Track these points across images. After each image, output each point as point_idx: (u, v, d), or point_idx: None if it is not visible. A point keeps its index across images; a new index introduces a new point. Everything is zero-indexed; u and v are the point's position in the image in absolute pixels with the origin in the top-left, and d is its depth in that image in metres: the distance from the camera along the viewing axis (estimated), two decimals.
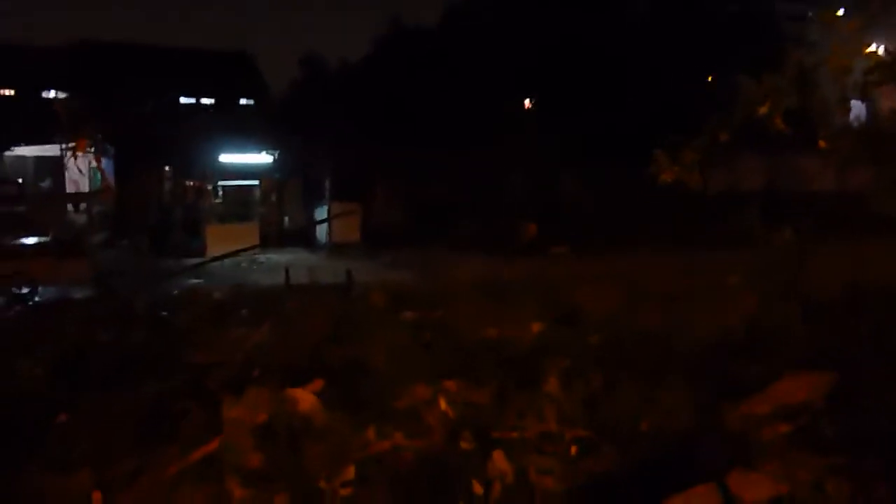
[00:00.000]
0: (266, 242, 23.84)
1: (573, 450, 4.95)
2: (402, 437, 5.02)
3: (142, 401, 6.06)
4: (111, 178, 29.13)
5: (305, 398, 5.38)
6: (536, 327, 10.02)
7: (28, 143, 27.69)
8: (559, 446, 5.08)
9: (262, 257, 22.02)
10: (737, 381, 5.98)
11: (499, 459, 4.76)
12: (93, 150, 28.79)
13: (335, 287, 14.92)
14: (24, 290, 15.87)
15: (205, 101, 36.54)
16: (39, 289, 16.10)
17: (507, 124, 26.28)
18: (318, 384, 6.84)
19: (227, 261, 18.42)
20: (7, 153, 28.15)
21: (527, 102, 30.81)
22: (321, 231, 25.63)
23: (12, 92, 32.23)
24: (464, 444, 4.91)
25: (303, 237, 26.12)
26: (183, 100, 35.85)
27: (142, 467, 5.51)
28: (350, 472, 4.78)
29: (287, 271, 16.03)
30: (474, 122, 25.41)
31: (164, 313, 12.15)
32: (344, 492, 4.70)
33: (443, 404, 5.19)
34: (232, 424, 4.96)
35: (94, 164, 29.70)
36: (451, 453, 4.83)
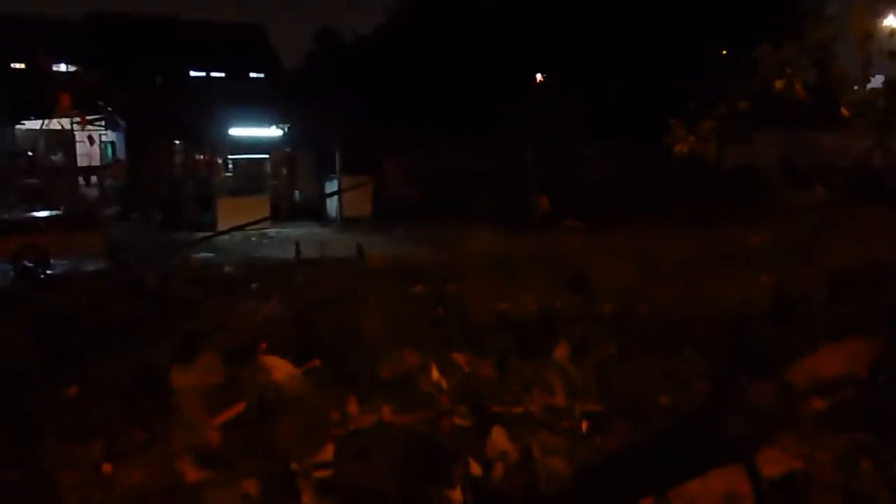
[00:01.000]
0: (277, 216, 23.77)
1: (584, 425, 4.59)
2: (390, 410, 4.46)
3: (147, 371, 5.99)
4: (122, 152, 29.19)
5: (281, 366, 4.85)
6: (551, 300, 9.94)
7: (39, 116, 27.62)
8: (567, 422, 4.67)
9: (272, 231, 21.99)
10: (763, 352, 5.76)
11: (498, 437, 4.26)
12: (103, 122, 28.86)
13: (346, 261, 14.89)
14: (36, 265, 15.94)
15: (216, 74, 36.31)
16: (51, 262, 16.15)
17: (521, 97, 26.02)
18: (316, 362, 6.68)
19: (238, 234, 18.37)
20: (18, 127, 28.13)
21: (541, 76, 30.50)
22: (332, 205, 25.54)
23: (23, 65, 32.11)
24: (458, 421, 4.39)
25: (314, 211, 26.03)
26: (194, 73, 35.64)
27: (151, 438, 5.47)
28: (328, 452, 4.27)
29: (297, 245, 15.99)
30: (488, 95, 25.15)
31: (175, 286, 12.16)
32: (320, 474, 4.18)
33: (435, 373, 4.65)
34: (183, 395, 4.42)
35: (105, 137, 29.79)
36: (444, 430, 4.36)
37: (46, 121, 26.90)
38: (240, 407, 4.37)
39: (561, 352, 4.99)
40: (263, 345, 7.25)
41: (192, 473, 4.09)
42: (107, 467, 5.47)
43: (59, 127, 27.40)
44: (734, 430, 4.38)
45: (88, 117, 28.06)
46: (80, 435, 5.50)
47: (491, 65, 25.83)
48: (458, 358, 7.15)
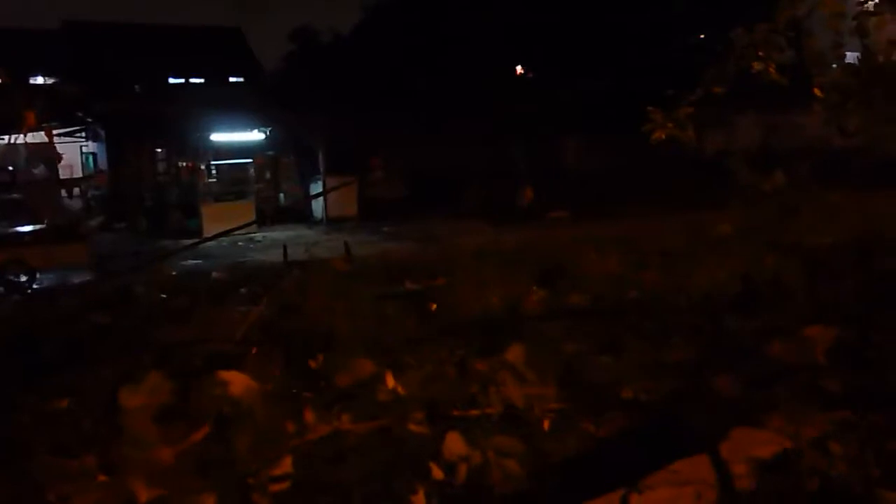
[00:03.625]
0: (263, 220, 23.73)
1: (546, 425, 4.65)
2: (348, 419, 4.50)
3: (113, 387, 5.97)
4: (103, 162, 29.05)
5: (238, 380, 4.85)
6: (537, 294, 10.00)
7: (18, 130, 27.42)
8: (525, 423, 4.75)
9: (259, 235, 21.96)
10: (730, 340, 5.85)
11: (453, 442, 4.36)
12: (83, 132, 28.71)
13: (333, 262, 14.89)
14: (22, 279, 15.87)
15: (195, 80, 36.12)
16: (38, 275, 16.08)
17: (504, 91, 26.06)
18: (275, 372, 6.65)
19: (224, 240, 18.35)
20: None
21: (522, 68, 30.54)
22: (318, 206, 25.50)
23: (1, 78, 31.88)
24: (414, 427, 4.43)
25: (300, 213, 25.99)
26: (173, 79, 35.44)
27: (105, 460, 5.44)
28: (287, 464, 4.24)
29: (285, 248, 15.97)
30: (471, 90, 25.18)
31: (163, 295, 12.14)
32: (277, 487, 4.17)
33: (391, 380, 4.68)
34: (132, 415, 4.38)
35: (86, 148, 29.64)
36: (403, 436, 4.45)
37: (24, 134, 26.73)
38: (200, 429, 4.38)
39: (515, 352, 4.95)
40: (255, 350, 7.28)
41: (144, 493, 4.06)
42: (102, 478, 5.48)
43: (38, 140, 27.24)
44: (697, 421, 4.44)
45: (69, 129, 27.93)
46: (73, 448, 5.50)
47: (471, 58, 25.87)
48: (416, 360, 7.19)
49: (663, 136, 6.93)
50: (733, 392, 4.58)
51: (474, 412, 4.50)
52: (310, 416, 4.30)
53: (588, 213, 20.37)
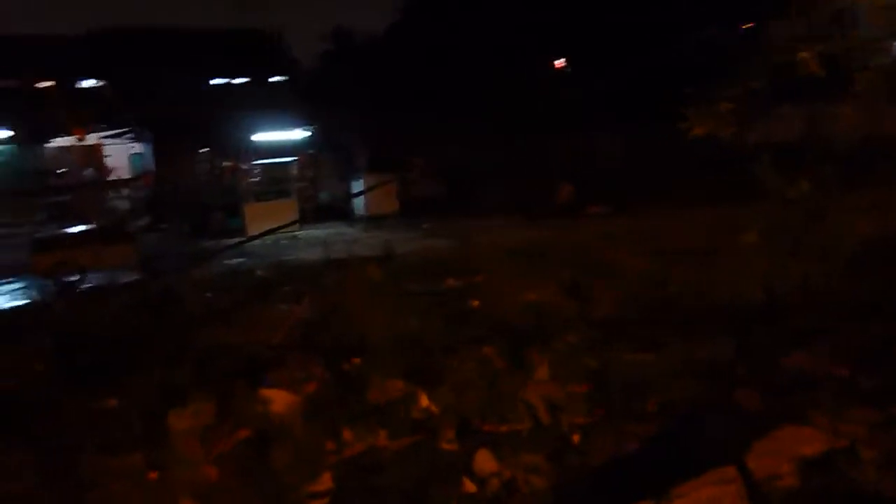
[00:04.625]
0: (304, 218, 23.98)
1: (575, 439, 4.69)
2: (384, 436, 4.64)
3: (181, 384, 6.13)
4: (149, 163, 29.63)
5: (279, 397, 5.01)
6: (576, 288, 10.01)
7: (68, 133, 28.12)
8: (552, 438, 4.78)
9: (300, 233, 22.20)
10: (764, 341, 5.79)
11: (484, 459, 4.46)
12: (130, 134, 29.35)
13: (374, 259, 15.03)
14: (72, 278, 16.29)
15: (236, 81, 36.62)
16: (87, 275, 16.48)
17: (540, 87, 25.96)
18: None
19: (267, 238, 18.60)
20: (48, 144, 28.66)
21: (560, 62, 30.40)
22: (358, 204, 25.71)
23: (50, 83, 32.66)
24: (446, 445, 4.55)
25: (340, 211, 26.22)
26: (214, 81, 35.96)
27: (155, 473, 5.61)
28: (326, 480, 4.40)
29: (326, 246, 16.16)
30: (507, 87, 25.14)
31: (208, 294, 12.40)
32: (317, 502, 4.29)
33: (424, 400, 4.83)
34: (180, 437, 4.57)
35: (133, 149, 30.26)
36: (436, 453, 4.52)
37: (74, 137, 27.46)
38: (237, 437, 4.53)
39: (542, 372, 5.05)
40: (295, 348, 7.43)
41: None
42: (153, 474, 5.65)
43: (87, 143, 27.93)
44: (724, 432, 4.43)
45: (116, 131, 28.56)
46: (121, 446, 5.68)
47: (507, 54, 25.80)
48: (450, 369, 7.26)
49: (702, 134, 6.89)
50: (757, 405, 4.57)
51: (504, 428, 4.55)
52: (348, 434, 4.43)
53: (626, 208, 20.23)
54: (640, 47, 24.09)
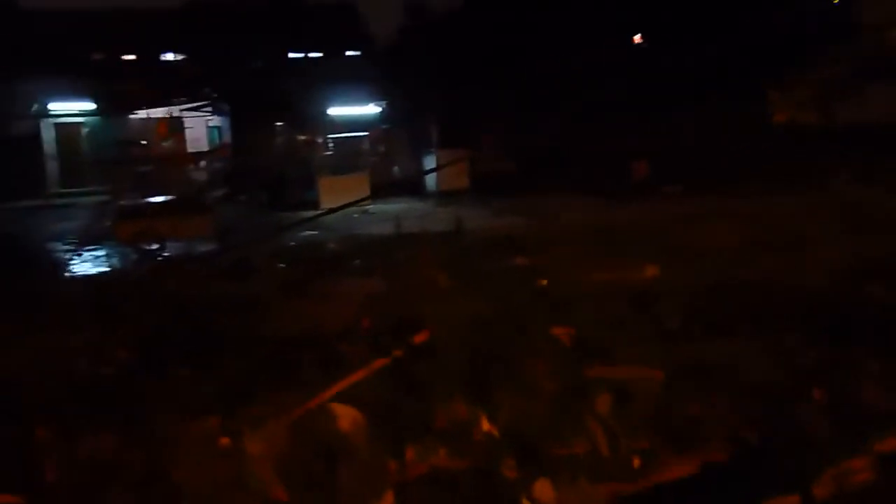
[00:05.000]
0: (376, 192, 24.13)
1: (635, 462, 4.70)
2: (445, 454, 4.73)
3: (256, 355, 6.27)
4: (227, 135, 30.25)
5: (347, 414, 5.08)
6: (650, 270, 9.83)
7: (149, 105, 28.89)
8: (609, 465, 4.79)
9: (372, 207, 22.38)
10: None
11: (543, 488, 4.52)
12: (209, 107, 30.01)
13: (445, 235, 15.05)
14: (152, 247, 16.80)
15: (313, 55, 36.97)
16: (167, 244, 16.97)
17: (616, 62, 25.44)
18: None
19: (339, 212, 18.72)
20: (132, 116, 29.50)
21: (638, 37, 29.73)
22: (430, 179, 25.74)
23: (133, 56, 33.55)
24: (507, 473, 4.62)
25: (412, 186, 26.30)
26: (291, 54, 36.38)
27: (263, 415, 5.77)
28: (389, 499, 4.48)
29: (398, 221, 16.25)
30: (582, 62, 24.70)
31: (282, 265, 12.64)
32: None
33: (485, 424, 4.90)
34: (254, 460, 4.71)
35: (211, 122, 30.94)
36: (497, 478, 4.58)
37: (156, 110, 28.21)
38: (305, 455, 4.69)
39: (603, 404, 5.06)
40: (366, 322, 7.52)
41: None
42: (224, 440, 5.80)
43: (168, 115, 28.66)
44: (790, 460, 4.33)
45: (195, 104, 29.22)
46: (196, 412, 5.84)
47: (584, 29, 25.32)
48: (559, 331, 7.21)
49: (783, 120, 6.64)
50: (826, 432, 4.46)
51: (563, 451, 4.60)
52: (411, 453, 4.53)
53: (703, 187, 19.72)
54: (723, 22, 23.28)
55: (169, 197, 19.31)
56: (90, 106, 29.03)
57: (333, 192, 22.53)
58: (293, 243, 15.25)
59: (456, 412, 4.95)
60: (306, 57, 35.40)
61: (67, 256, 16.66)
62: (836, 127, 17.03)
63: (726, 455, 4.68)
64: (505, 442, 4.67)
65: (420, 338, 6.80)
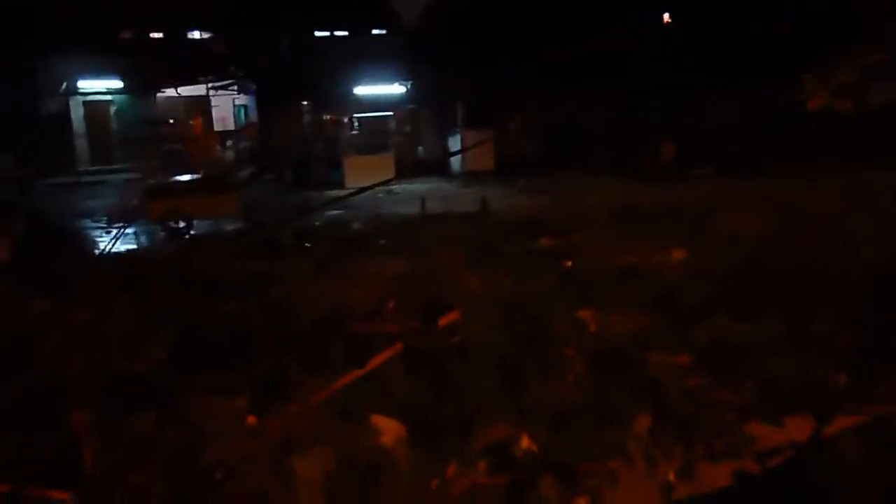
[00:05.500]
0: (401, 172, 24.13)
1: (671, 476, 4.76)
2: (484, 469, 4.82)
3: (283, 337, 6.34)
4: (254, 114, 30.36)
5: (390, 428, 5.16)
6: (677, 253, 9.75)
7: (177, 84, 29.03)
8: (645, 482, 4.85)
9: (397, 187, 22.41)
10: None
11: None
12: (235, 86, 30.10)
13: (470, 215, 15.03)
14: (181, 225, 16.95)
15: (339, 33, 36.90)
16: (195, 223, 17.11)
17: (644, 43, 25.14)
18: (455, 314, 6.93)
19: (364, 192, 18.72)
20: (159, 94, 29.67)
21: (667, 17, 29.34)
22: (455, 159, 25.68)
23: (160, 35, 33.69)
24: (546, 490, 4.70)
25: (437, 166, 26.28)
26: (318, 33, 36.35)
27: (291, 394, 5.84)
28: None
29: (423, 201, 16.25)
30: (610, 42, 24.45)
31: (307, 245, 12.70)
32: None
33: (525, 441, 4.98)
34: (305, 484, 4.81)
35: (238, 101, 31.05)
36: (535, 496, 4.66)
37: (183, 88, 28.37)
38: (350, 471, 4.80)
39: (642, 424, 5.14)
40: (391, 303, 7.54)
41: None
42: (251, 419, 5.87)
43: (195, 94, 28.79)
44: (822, 480, 4.34)
45: (222, 82, 29.34)
46: (226, 391, 5.92)
47: (613, 8, 25.02)
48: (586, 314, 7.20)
49: (818, 107, 6.51)
50: (858, 453, 4.45)
51: (599, 468, 4.69)
52: (451, 471, 4.64)
53: (732, 169, 19.48)
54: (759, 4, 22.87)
55: (196, 176, 19.43)
56: (118, 84, 29.24)
57: (359, 172, 22.59)
58: (318, 223, 15.30)
59: (497, 431, 5.08)
60: (332, 35, 35.34)
61: (97, 234, 16.87)
62: (872, 111, 16.68)
63: (760, 466, 4.73)
64: (543, 458, 4.79)
65: (447, 319, 6.81)
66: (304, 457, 4.77)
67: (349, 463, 4.71)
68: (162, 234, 16.65)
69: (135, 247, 15.02)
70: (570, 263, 9.57)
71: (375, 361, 6.27)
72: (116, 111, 29.52)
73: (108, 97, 29.49)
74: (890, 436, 4.82)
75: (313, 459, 4.75)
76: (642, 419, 5.12)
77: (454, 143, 26.09)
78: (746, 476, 4.65)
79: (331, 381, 6.04)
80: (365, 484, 4.57)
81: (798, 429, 5.01)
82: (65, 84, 28.38)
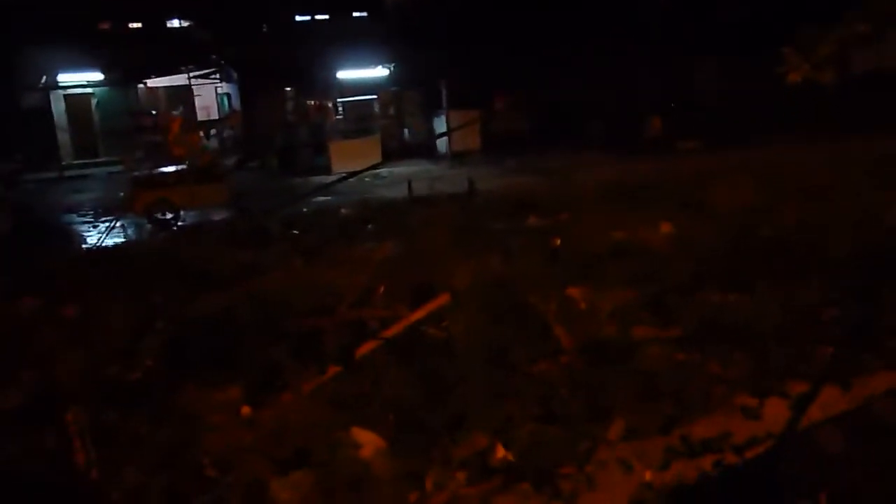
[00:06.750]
0: (388, 155, 24.03)
1: (647, 475, 4.80)
2: (463, 481, 4.85)
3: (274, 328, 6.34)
4: (237, 102, 30.15)
5: (369, 440, 5.18)
6: (665, 227, 9.77)
7: (158, 74, 28.78)
8: (623, 483, 4.87)
9: (384, 170, 22.32)
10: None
11: None
12: (217, 75, 29.86)
13: (457, 196, 14.99)
14: (168, 216, 16.85)
15: (319, 17, 36.61)
16: (181, 214, 17.02)
17: (632, 18, 25.05)
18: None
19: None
20: (140, 86, 29.42)
21: None
22: (442, 141, 25.59)
23: (139, 25, 33.35)
24: (523, 498, 4.73)
25: (424, 148, 26.16)
26: (298, 18, 36.06)
27: (283, 385, 5.85)
28: None
29: (409, 184, 16.19)
30: (597, 18, 24.36)
31: (295, 232, 12.66)
32: None
33: (501, 450, 5.03)
34: None
35: (220, 89, 30.81)
36: (512, 501, 4.69)
37: (164, 78, 28.12)
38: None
39: (615, 431, 5.19)
40: (381, 288, 7.53)
41: None
42: (245, 409, 5.88)
43: (177, 84, 28.55)
44: (801, 471, 4.36)
45: (203, 71, 29.09)
46: (220, 382, 5.92)
47: None
48: (574, 292, 7.21)
49: (799, 79, 6.48)
50: (837, 447, 4.48)
51: (574, 471, 4.73)
52: (430, 483, 4.67)
53: (720, 142, 19.50)
54: None
55: (182, 166, 19.29)
56: (99, 77, 28.97)
57: (345, 157, 22.49)
58: (306, 210, 15.25)
59: (475, 442, 5.12)
60: (313, 20, 35.09)
61: (84, 228, 16.77)
62: (854, 78, 16.69)
63: (740, 459, 4.76)
64: (520, 467, 4.85)
65: (437, 303, 6.81)
66: (281, 481, 4.82)
67: (328, 479, 4.75)
68: (149, 226, 16.56)
69: (123, 240, 14.93)
70: (558, 242, 9.56)
71: (363, 349, 6.29)
72: (98, 104, 29.26)
73: (90, 90, 29.20)
74: (869, 426, 4.87)
75: (292, 483, 4.79)
76: (617, 425, 5.19)
77: (440, 125, 25.97)
78: (725, 468, 4.69)
79: (322, 371, 6.06)
80: (344, 501, 4.63)
81: (776, 420, 5.05)
82: (45, 78, 28.08)
